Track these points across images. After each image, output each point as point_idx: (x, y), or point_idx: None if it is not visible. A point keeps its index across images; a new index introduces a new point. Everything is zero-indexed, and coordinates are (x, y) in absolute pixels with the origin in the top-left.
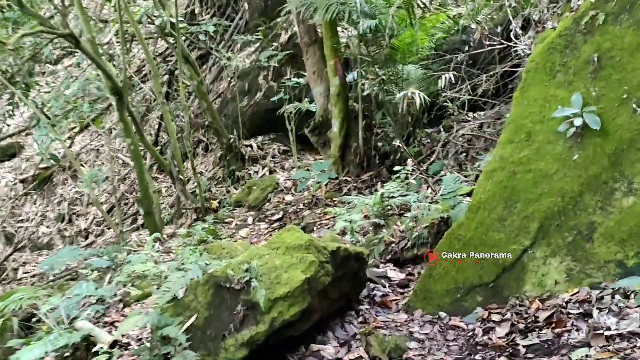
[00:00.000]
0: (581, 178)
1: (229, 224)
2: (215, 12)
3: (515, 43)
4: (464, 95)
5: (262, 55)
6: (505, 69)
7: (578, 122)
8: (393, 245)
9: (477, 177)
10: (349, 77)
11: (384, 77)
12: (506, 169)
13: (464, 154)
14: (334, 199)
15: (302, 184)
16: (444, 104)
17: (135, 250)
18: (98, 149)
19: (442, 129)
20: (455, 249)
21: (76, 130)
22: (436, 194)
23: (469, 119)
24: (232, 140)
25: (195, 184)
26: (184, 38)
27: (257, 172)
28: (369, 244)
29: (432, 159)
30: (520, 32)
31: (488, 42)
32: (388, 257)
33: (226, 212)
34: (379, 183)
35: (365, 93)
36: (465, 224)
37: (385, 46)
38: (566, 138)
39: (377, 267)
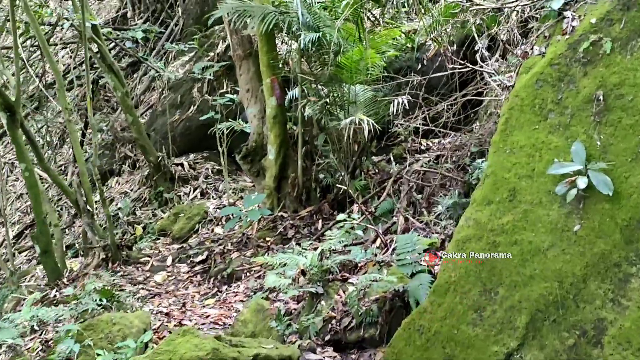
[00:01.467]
0: (585, 257)
1: (144, 264)
2: (149, 17)
3: (481, 66)
4: (420, 124)
5: (196, 66)
6: (469, 97)
7: (582, 182)
8: (334, 322)
9: (434, 224)
10: (289, 97)
11: (327, 98)
12: (484, 238)
13: (418, 192)
14: (267, 238)
15: (231, 222)
16: (396, 130)
17: (23, 300)
18: (13, 162)
19: (392, 158)
20: (416, 347)
21: None
22: (388, 248)
23: (424, 147)
24: (160, 158)
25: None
26: (112, 44)
27: (187, 194)
28: (302, 323)
29: (382, 197)
30: (486, 53)
31: (451, 66)
32: (327, 338)
33: (147, 243)
34: (320, 221)
35: (306, 116)
36: (429, 310)
37: (329, 64)
38: (564, 201)
39: (313, 351)
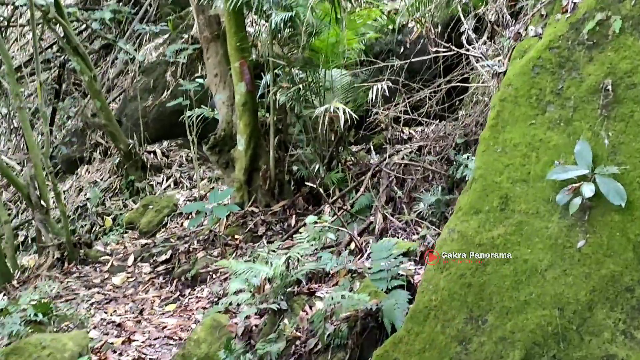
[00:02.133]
0: (591, 280)
1: (103, 264)
2: None
3: (467, 49)
4: (401, 111)
5: (169, 49)
6: (454, 84)
7: (588, 190)
8: (298, 344)
9: (415, 223)
10: (262, 83)
11: (301, 84)
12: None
13: (399, 186)
14: (236, 236)
15: (196, 220)
16: (375, 118)
17: None
18: None
19: (372, 148)
20: None
21: None
22: (363, 253)
23: (405, 136)
24: (130, 145)
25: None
26: (83, 26)
27: (160, 184)
28: (261, 347)
29: (359, 192)
30: (472, 35)
31: (434, 49)
32: None
33: (114, 237)
34: (293, 217)
35: (278, 103)
36: (405, 341)
37: (303, 46)
38: (566, 212)
39: None
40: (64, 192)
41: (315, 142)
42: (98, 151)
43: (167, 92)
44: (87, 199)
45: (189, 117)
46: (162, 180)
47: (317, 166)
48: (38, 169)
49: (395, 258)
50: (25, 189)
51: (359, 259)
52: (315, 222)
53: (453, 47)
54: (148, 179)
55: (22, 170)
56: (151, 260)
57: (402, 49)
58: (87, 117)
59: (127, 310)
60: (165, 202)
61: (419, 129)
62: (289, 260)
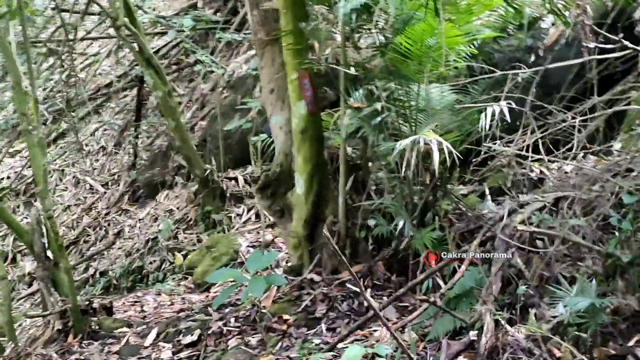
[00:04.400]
0: None
1: (118, 340)
2: (220, 6)
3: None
4: (529, 144)
5: (255, 60)
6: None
7: None
8: None
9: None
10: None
11: (382, 104)
12: None
13: (524, 265)
14: (285, 316)
15: (225, 293)
16: (491, 152)
17: None
18: (63, 170)
19: (486, 193)
20: None
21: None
22: None
23: (534, 175)
24: (208, 171)
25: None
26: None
27: (240, 216)
28: None
29: (462, 267)
30: None
31: (592, 44)
32: None
33: (170, 284)
34: (368, 290)
35: (351, 130)
36: None
37: (385, 48)
38: None
39: None
40: (139, 220)
41: (403, 185)
42: (180, 175)
43: (255, 110)
44: (159, 230)
45: (252, 143)
46: (243, 212)
47: (403, 219)
48: (46, 205)
49: None
50: (27, 234)
51: None
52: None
53: (629, 45)
54: (227, 210)
55: (105, 192)
56: (175, 340)
57: (532, 57)
58: (172, 137)
59: None
60: (225, 248)
61: (555, 165)
62: None
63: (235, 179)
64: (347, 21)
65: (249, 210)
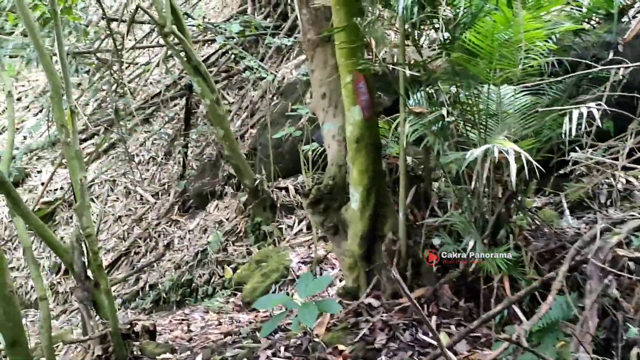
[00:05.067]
0: None
1: None
2: (270, 11)
3: None
4: (614, 152)
5: (305, 66)
6: None
7: None
8: None
9: None
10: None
11: (448, 108)
12: None
13: (623, 295)
14: (340, 346)
15: (273, 322)
16: (575, 159)
17: None
18: (115, 180)
19: (564, 207)
20: None
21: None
22: None
23: (624, 187)
24: (257, 181)
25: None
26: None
27: (290, 227)
28: None
29: (549, 298)
30: None
31: None
32: None
33: (219, 301)
34: (433, 318)
35: (413, 138)
36: None
37: (450, 45)
38: None
39: None
40: (189, 231)
41: (472, 198)
42: (230, 185)
43: (306, 117)
44: (208, 243)
45: (303, 152)
46: (294, 224)
47: (473, 238)
48: (87, 220)
49: None
50: (67, 253)
51: None
52: None
53: None
54: (277, 221)
55: (155, 203)
56: None
57: (609, 54)
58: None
59: None
60: (275, 263)
61: None
62: None
63: (286, 189)
64: (408, 16)
65: (300, 222)
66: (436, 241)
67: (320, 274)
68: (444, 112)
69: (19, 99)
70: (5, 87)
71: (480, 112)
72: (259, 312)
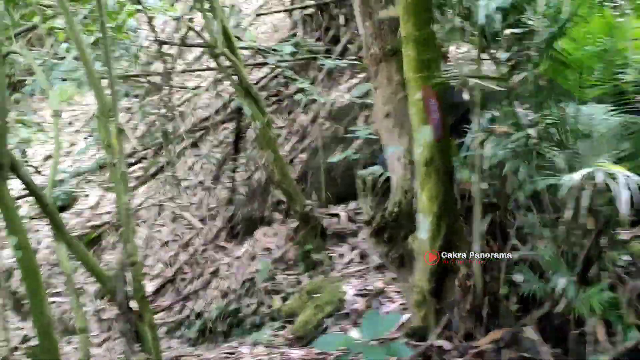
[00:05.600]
0: None
1: None
2: (322, 35)
3: None
4: None
5: (358, 88)
6: None
7: None
8: None
9: None
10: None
11: (533, 128)
12: None
13: None
14: None
15: None
16: None
17: None
18: (161, 205)
19: None
20: None
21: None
22: None
23: None
24: (307, 207)
25: None
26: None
27: (342, 256)
28: None
29: None
30: None
31: None
32: None
33: (268, 333)
34: None
35: (490, 161)
36: None
37: (538, 59)
38: None
39: None
40: (236, 258)
41: (558, 230)
42: (279, 211)
43: (359, 140)
44: (256, 271)
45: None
46: (345, 253)
47: (563, 275)
48: (130, 248)
49: None
50: (109, 281)
51: None
52: None
53: None
54: (328, 250)
55: (202, 228)
56: None
57: None
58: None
59: None
60: (328, 295)
61: None
62: None
63: (337, 215)
64: (489, 26)
65: (352, 250)
66: (518, 277)
67: (378, 309)
68: (532, 132)
69: (70, 123)
70: (52, 107)
71: (568, 132)
72: (312, 347)
